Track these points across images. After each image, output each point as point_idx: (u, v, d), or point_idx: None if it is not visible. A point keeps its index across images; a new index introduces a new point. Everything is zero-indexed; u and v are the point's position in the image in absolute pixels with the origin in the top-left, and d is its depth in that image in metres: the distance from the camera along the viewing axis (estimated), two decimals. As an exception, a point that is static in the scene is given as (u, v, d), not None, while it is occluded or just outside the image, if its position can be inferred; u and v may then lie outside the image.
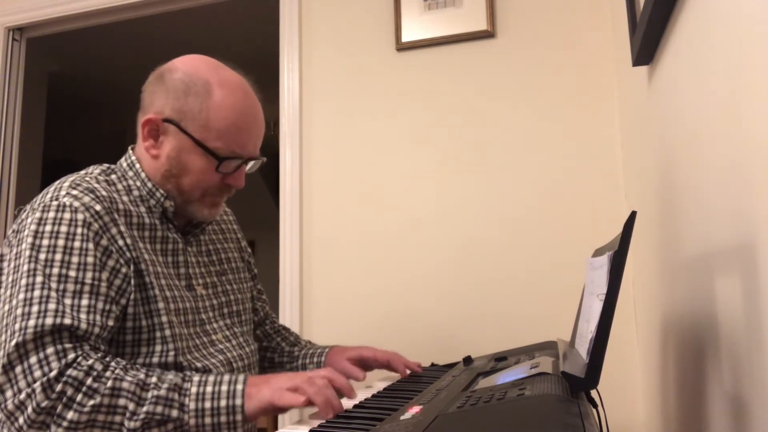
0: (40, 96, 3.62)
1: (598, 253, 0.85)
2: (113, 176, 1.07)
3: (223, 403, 0.87)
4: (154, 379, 0.88)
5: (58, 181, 1.02)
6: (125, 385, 0.85)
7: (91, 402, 0.83)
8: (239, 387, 0.88)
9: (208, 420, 0.86)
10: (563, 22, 1.75)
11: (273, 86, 1.99)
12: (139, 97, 1.09)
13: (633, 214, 0.70)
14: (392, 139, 1.86)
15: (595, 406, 0.73)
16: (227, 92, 1.03)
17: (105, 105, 4.48)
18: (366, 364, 1.23)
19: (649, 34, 0.99)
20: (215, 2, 2.26)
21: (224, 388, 0.88)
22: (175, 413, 0.86)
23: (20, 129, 2.41)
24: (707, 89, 0.73)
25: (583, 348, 0.72)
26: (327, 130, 1.92)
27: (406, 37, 1.86)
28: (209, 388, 0.88)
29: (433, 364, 1.43)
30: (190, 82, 1.02)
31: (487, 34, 1.80)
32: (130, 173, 1.07)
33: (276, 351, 1.32)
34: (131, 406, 0.85)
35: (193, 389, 0.88)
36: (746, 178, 0.59)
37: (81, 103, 4.42)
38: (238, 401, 0.87)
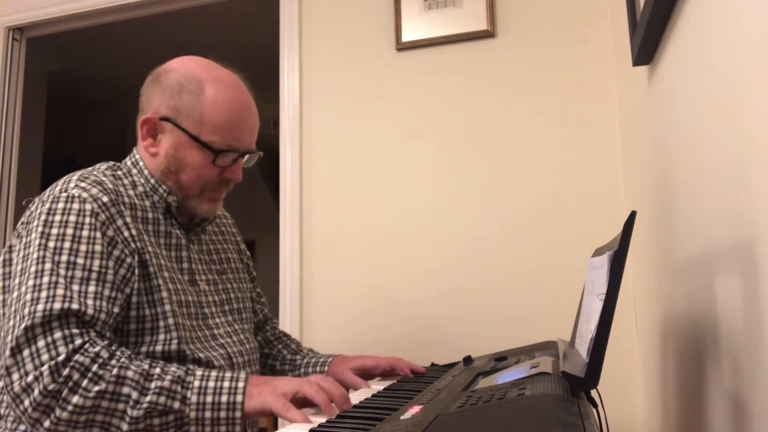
0: (40, 96, 3.62)
1: (598, 252, 0.85)
2: (119, 172, 1.10)
3: (224, 398, 0.89)
4: (157, 370, 0.89)
5: (66, 176, 1.05)
6: (130, 374, 0.87)
7: (96, 388, 0.85)
8: (241, 384, 0.90)
9: (208, 414, 0.88)
10: (563, 22, 1.75)
11: (273, 86, 1.99)
12: (139, 97, 1.11)
13: (633, 214, 0.70)
14: (392, 139, 1.85)
15: (595, 405, 0.73)
16: (219, 88, 1.06)
17: (105, 105, 4.48)
18: (369, 373, 1.25)
19: (649, 34, 0.99)
20: (215, 2, 2.26)
21: (226, 384, 0.90)
22: (177, 405, 0.87)
23: (20, 129, 2.41)
24: (707, 89, 0.73)
25: (583, 348, 0.72)
26: (327, 130, 1.92)
27: (406, 37, 1.86)
28: (211, 383, 0.90)
29: (433, 364, 1.43)
30: (184, 81, 1.06)
31: (487, 34, 1.80)
32: (134, 170, 1.10)
33: (277, 358, 1.34)
34: (135, 394, 0.86)
35: (196, 383, 0.90)
36: (746, 178, 0.59)
37: (81, 103, 4.42)
38: (239, 398, 0.89)
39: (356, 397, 0.98)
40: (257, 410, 0.89)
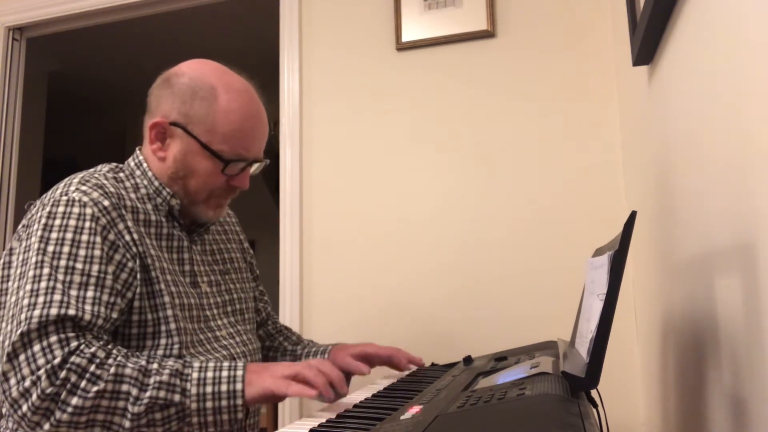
0: (40, 96, 3.62)
1: (598, 252, 0.85)
2: (121, 174, 1.09)
3: (224, 387, 0.89)
4: (155, 365, 0.90)
5: (67, 178, 1.04)
6: (128, 371, 0.88)
7: (95, 388, 0.85)
8: (239, 372, 0.91)
9: (209, 404, 0.89)
10: (563, 22, 1.75)
11: (273, 86, 1.99)
12: (139, 96, 1.10)
13: (633, 214, 0.70)
14: (392, 139, 1.85)
15: (595, 405, 0.73)
16: (232, 97, 1.05)
17: (105, 105, 4.48)
18: (369, 360, 1.25)
19: (649, 34, 0.99)
20: (215, 2, 2.26)
21: (225, 373, 0.91)
22: (177, 398, 0.88)
23: (20, 129, 2.41)
24: (707, 89, 0.73)
25: (583, 348, 0.72)
26: (327, 130, 1.92)
27: (406, 37, 1.86)
28: (210, 374, 0.90)
29: (433, 364, 1.43)
30: (197, 87, 1.05)
31: (487, 34, 1.80)
32: (138, 172, 1.09)
33: (279, 350, 1.34)
34: (134, 391, 0.87)
35: (195, 374, 0.90)
36: (746, 178, 0.59)
37: (81, 103, 4.42)
38: (239, 386, 0.89)
39: (356, 398, 0.98)
40: (258, 396, 0.90)
